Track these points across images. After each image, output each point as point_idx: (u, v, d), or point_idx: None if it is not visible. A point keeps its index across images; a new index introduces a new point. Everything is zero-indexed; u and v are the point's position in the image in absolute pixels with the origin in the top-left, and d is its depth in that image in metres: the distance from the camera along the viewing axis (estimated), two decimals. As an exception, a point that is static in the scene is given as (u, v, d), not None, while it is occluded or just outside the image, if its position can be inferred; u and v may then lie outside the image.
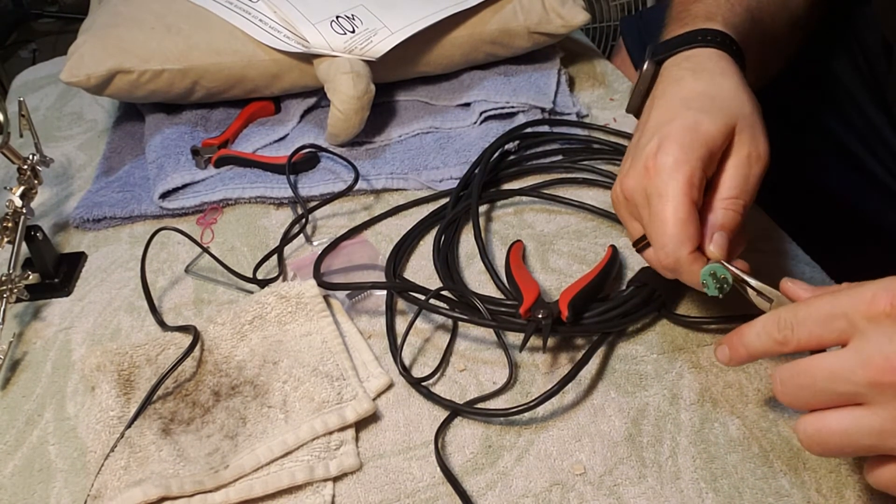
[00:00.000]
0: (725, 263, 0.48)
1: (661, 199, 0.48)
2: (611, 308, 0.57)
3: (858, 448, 0.39)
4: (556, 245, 0.67)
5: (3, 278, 0.61)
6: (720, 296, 0.49)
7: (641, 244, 0.53)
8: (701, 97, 0.51)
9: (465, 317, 0.56)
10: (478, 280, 0.64)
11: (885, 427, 0.37)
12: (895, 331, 0.36)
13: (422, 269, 0.65)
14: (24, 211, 0.64)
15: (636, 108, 0.59)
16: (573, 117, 0.83)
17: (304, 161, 0.76)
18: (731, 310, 0.59)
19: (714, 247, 0.48)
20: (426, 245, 0.68)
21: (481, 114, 0.82)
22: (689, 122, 0.49)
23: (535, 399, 0.51)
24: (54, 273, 0.66)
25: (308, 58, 0.79)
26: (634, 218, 0.52)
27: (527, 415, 0.52)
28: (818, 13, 0.70)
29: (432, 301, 0.57)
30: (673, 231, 0.47)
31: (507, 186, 0.74)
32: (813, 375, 0.39)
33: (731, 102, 0.50)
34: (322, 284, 0.60)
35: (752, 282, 0.48)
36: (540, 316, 0.53)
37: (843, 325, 0.38)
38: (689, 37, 0.56)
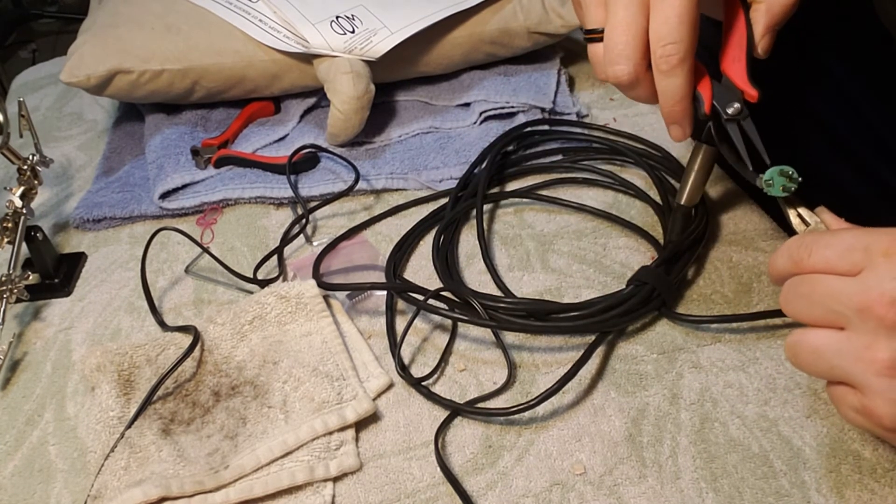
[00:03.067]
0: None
1: None
2: (611, 307, 0.57)
3: (826, 368, 0.40)
4: (556, 245, 0.67)
5: (3, 278, 0.61)
6: (782, 195, 0.48)
7: (595, 35, 0.49)
8: None
9: (465, 317, 0.56)
10: (478, 280, 0.64)
11: (854, 352, 0.38)
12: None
13: (422, 269, 0.65)
14: (24, 211, 0.64)
15: None
16: (573, 117, 0.83)
17: (304, 161, 0.76)
18: (733, 309, 0.59)
19: (767, 46, 0.47)
20: (426, 245, 0.68)
21: (481, 114, 0.82)
22: None
23: (535, 398, 0.51)
24: (54, 273, 0.66)
25: (308, 58, 0.79)
26: (600, 4, 0.48)
27: (527, 414, 0.52)
28: None
29: (432, 301, 0.57)
30: (678, 27, 0.45)
31: (507, 186, 0.74)
32: (813, 287, 0.40)
33: None
34: (322, 284, 0.60)
35: (801, 209, 0.47)
36: (731, 112, 0.50)
37: (858, 258, 0.38)
38: None
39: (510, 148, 0.77)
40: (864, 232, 0.39)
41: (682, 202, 0.61)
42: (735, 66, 0.50)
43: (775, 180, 0.48)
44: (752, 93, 0.49)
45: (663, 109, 0.49)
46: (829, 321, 0.39)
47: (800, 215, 0.48)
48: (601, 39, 0.48)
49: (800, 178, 0.47)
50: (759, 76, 0.51)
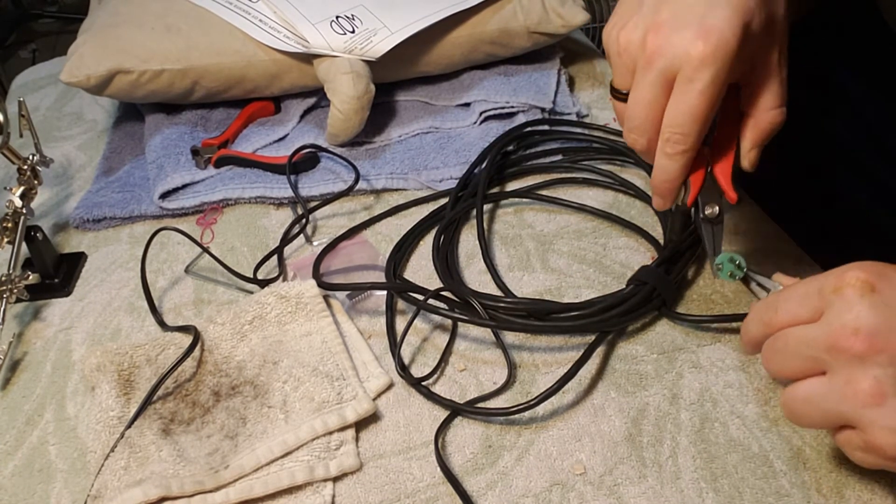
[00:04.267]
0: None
1: (691, 72, 0.44)
2: (611, 307, 0.57)
3: (820, 415, 0.40)
4: (556, 245, 0.67)
5: (3, 278, 0.61)
6: (731, 280, 0.51)
7: (621, 96, 0.50)
8: None
9: (464, 317, 0.56)
10: (478, 280, 0.64)
11: (838, 391, 0.38)
12: (856, 300, 0.38)
13: (422, 269, 0.65)
14: (24, 211, 0.64)
15: None
16: (573, 117, 0.83)
17: (304, 161, 0.76)
18: (733, 309, 0.59)
19: (752, 161, 0.48)
20: (426, 245, 0.68)
21: (481, 114, 0.82)
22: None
23: (535, 398, 0.51)
24: (54, 273, 0.66)
25: (308, 58, 0.79)
26: (629, 71, 0.48)
27: (527, 414, 0.52)
28: None
29: (432, 301, 0.57)
30: (693, 116, 0.45)
31: (507, 186, 0.74)
32: (786, 341, 0.41)
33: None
34: (322, 284, 0.60)
35: (757, 277, 0.51)
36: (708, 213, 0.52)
37: (816, 302, 0.40)
38: None
39: (510, 148, 0.77)
40: (816, 277, 0.41)
41: (682, 202, 0.61)
42: (723, 166, 0.51)
43: (724, 266, 0.51)
44: (732, 195, 0.51)
45: (654, 181, 0.51)
46: (809, 370, 0.40)
47: (760, 284, 0.51)
48: (626, 100, 0.49)
49: (745, 268, 0.51)
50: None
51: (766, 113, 0.48)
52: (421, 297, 0.57)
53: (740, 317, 0.57)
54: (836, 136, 0.73)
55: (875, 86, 0.70)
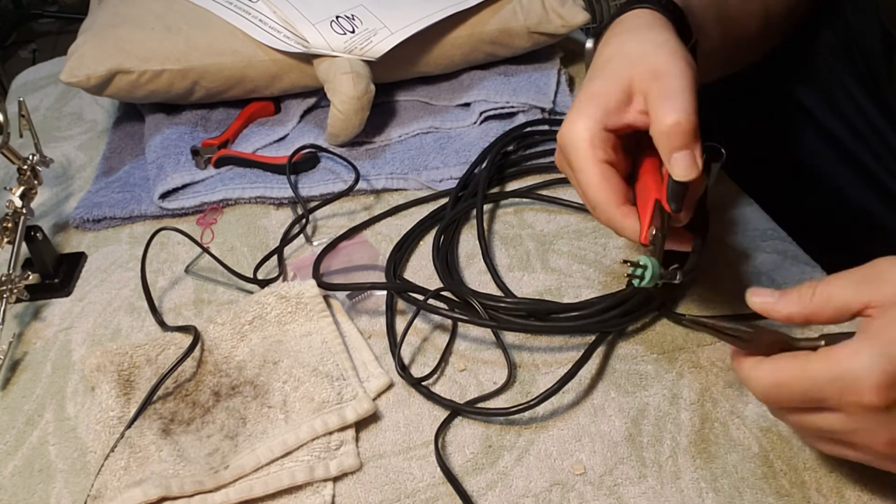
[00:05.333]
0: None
1: (574, 170, 0.50)
2: (611, 307, 0.57)
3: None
4: (556, 245, 0.67)
5: (3, 278, 0.61)
6: (649, 286, 0.49)
7: None
8: (602, 63, 0.52)
9: (464, 317, 0.56)
10: (478, 280, 0.64)
11: (857, 446, 0.40)
12: (889, 419, 0.38)
13: (422, 269, 0.65)
14: (24, 211, 0.64)
15: None
16: (573, 117, 0.83)
17: (304, 161, 0.76)
18: (732, 309, 0.59)
19: (678, 168, 0.46)
20: (426, 245, 0.68)
21: (481, 114, 0.82)
22: (583, 90, 0.51)
23: (536, 398, 0.51)
24: (54, 273, 0.66)
25: (308, 58, 0.79)
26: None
27: (527, 415, 0.52)
28: (799, 14, 0.69)
29: (432, 301, 0.57)
30: (593, 194, 0.49)
31: (507, 186, 0.74)
32: (807, 429, 0.42)
33: (630, 59, 0.50)
34: (322, 285, 0.60)
35: (727, 326, 0.43)
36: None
37: (829, 405, 0.39)
38: (622, 7, 0.57)
39: (510, 148, 0.77)
40: (817, 378, 0.39)
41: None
42: (658, 189, 0.50)
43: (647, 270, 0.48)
44: (667, 208, 0.49)
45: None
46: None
47: (735, 336, 0.43)
48: None
49: (654, 271, 0.48)
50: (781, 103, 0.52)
51: (662, 125, 0.47)
52: (421, 297, 0.57)
53: (740, 317, 0.57)
54: (840, 138, 0.73)
55: (877, 87, 0.70)
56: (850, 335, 0.39)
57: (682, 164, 0.46)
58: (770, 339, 0.42)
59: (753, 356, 0.42)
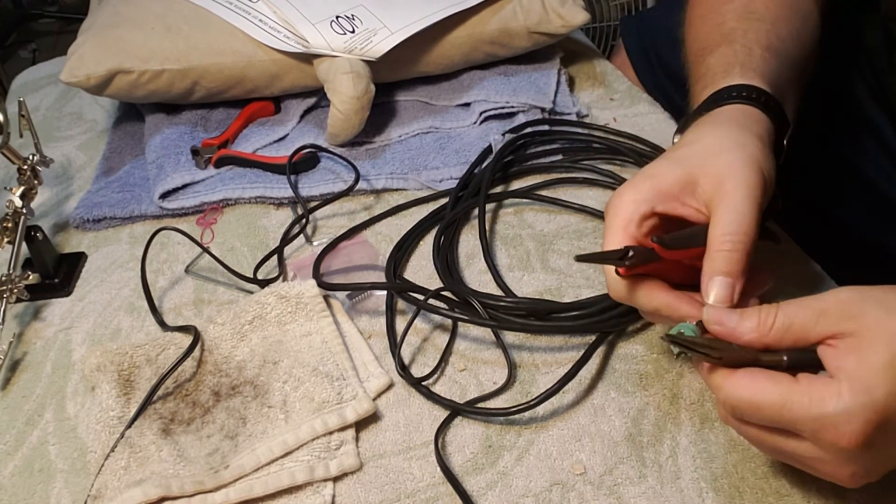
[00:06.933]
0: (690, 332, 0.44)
1: (604, 236, 0.48)
2: (611, 307, 0.57)
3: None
4: (556, 245, 0.67)
5: (3, 278, 0.61)
6: (677, 357, 0.45)
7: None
8: (675, 147, 0.50)
9: (465, 317, 0.56)
10: (478, 280, 0.64)
11: (821, 470, 0.41)
12: (860, 456, 0.38)
13: (422, 269, 0.65)
14: (24, 211, 0.64)
15: None
16: (573, 117, 0.83)
17: (304, 161, 0.76)
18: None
19: (711, 294, 0.44)
20: (426, 245, 0.68)
21: (481, 114, 0.82)
22: (647, 167, 0.48)
23: (536, 398, 0.51)
24: (54, 273, 0.66)
25: (308, 58, 0.79)
26: None
27: (527, 414, 0.52)
28: (824, 32, 0.68)
29: (432, 301, 0.57)
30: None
31: (507, 186, 0.74)
32: (777, 451, 0.42)
33: (703, 154, 0.47)
34: (322, 284, 0.60)
35: (700, 342, 0.42)
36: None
37: (804, 435, 0.39)
38: (705, 104, 0.53)
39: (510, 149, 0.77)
40: (789, 411, 0.38)
41: None
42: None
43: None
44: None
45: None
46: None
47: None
48: None
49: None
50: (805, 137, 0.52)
51: (714, 244, 0.45)
52: (421, 297, 0.57)
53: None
54: (856, 164, 0.72)
55: (883, 97, 0.69)
56: (812, 354, 0.39)
57: (717, 292, 0.43)
58: (737, 355, 0.41)
59: (724, 368, 0.41)
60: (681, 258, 0.46)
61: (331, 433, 0.51)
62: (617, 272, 0.47)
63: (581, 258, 0.46)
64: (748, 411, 0.40)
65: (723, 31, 0.58)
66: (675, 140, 0.54)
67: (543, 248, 0.67)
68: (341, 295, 0.62)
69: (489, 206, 0.72)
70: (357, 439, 0.51)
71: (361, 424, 0.52)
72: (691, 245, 0.45)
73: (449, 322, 0.59)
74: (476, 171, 0.74)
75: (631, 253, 0.45)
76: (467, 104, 0.84)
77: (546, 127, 0.80)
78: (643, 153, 0.74)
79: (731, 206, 0.44)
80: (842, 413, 0.37)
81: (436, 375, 0.56)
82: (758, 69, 0.53)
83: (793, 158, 0.54)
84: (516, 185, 0.74)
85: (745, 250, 0.43)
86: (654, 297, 0.46)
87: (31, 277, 0.62)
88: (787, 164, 0.53)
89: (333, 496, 0.48)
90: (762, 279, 0.47)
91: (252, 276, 0.64)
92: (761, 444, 0.42)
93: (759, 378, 0.39)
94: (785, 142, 0.53)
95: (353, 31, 0.79)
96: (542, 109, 0.82)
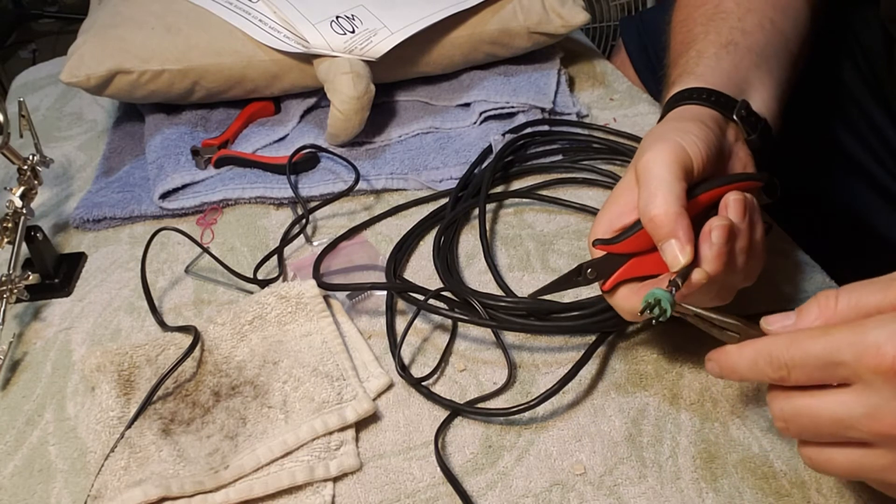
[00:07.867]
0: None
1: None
2: (610, 308, 0.56)
3: (865, 478, 0.40)
4: (556, 245, 0.67)
5: (3, 279, 0.61)
6: (653, 322, 0.46)
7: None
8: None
9: (465, 317, 0.56)
10: (478, 280, 0.64)
11: (892, 466, 0.37)
12: None
13: (422, 269, 0.65)
14: (24, 211, 0.64)
15: None
16: (573, 117, 0.83)
17: (304, 161, 0.76)
18: (732, 309, 0.59)
19: (666, 257, 0.46)
20: (426, 245, 0.68)
21: (481, 114, 0.82)
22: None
23: (536, 398, 0.51)
24: (54, 273, 0.66)
25: (308, 58, 0.79)
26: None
27: (527, 415, 0.52)
28: (819, 24, 0.69)
29: (432, 301, 0.57)
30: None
31: (507, 186, 0.74)
32: (817, 420, 0.39)
33: (642, 146, 0.50)
34: (322, 284, 0.60)
35: (715, 317, 0.44)
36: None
37: (845, 373, 0.37)
38: (668, 104, 0.56)
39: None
40: (833, 340, 0.37)
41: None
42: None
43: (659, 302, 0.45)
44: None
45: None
46: (846, 441, 0.39)
47: (723, 328, 0.44)
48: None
49: (667, 310, 0.45)
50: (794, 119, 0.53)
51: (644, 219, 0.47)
52: (421, 297, 0.57)
53: (743, 316, 0.57)
54: (846, 144, 0.73)
55: (882, 100, 0.69)
56: None
57: (667, 257, 0.46)
58: (757, 336, 0.41)
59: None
60: (637, 249, 0.49)
61: (331, 433, 0.51)
62: (601, 288, 0.50)
63: (540, 292, 0.49)
64: (791, 351, 0.39)
65: (687, 40, 0.61)
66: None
67: (543, 249, 0.67)
68: (341, 295, 0.62)
69: (489, 207, 0.72)
70: (357, 439, 0.51)
71: (361, 424, 0.52)
72: (634, 232, 0.48)
73: (449, 322, 0.59)
74: (476, 171, 0.74)
75: (589, 270, 0.49)
76: (467, 104, 0.84)
77: (546, 127, 0.80)
78: (643, 153, 0.74)
79: (648, 176, 0.47)
80: (883, 332, 0.35)
81: (436, 376, 0.56)
82: (701, 74, 0.56)
83: (788, 151, 0.55)
84: (516, 185, 0.74)
85: (668, 210, 0.45)
86: (630, 299, 0.49)
87: (31, 278, 0.62)
88: (782, 156, 0.54)
89: (333, 496, 0.48)
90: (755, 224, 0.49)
91: (252, 276, 0.64)
92: (809, 416, 0.39)
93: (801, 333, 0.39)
94: (767, 112, 0.55)
95: (353, 32, 0.79)
96: (542, 109, 0.82)
